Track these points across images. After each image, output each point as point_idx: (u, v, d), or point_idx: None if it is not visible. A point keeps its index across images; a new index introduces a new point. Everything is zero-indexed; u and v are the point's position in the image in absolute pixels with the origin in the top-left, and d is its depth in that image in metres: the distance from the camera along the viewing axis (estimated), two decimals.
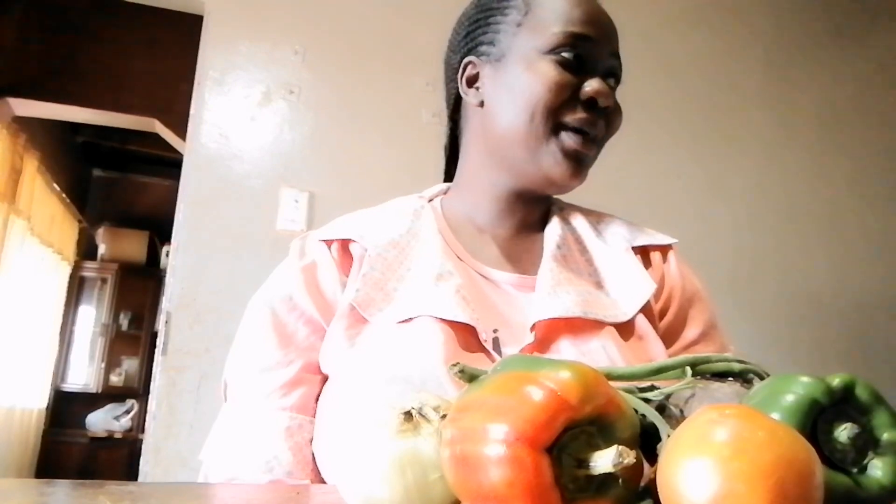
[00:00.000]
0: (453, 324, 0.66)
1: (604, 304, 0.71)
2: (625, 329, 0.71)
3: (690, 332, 0.78)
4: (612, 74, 0.74)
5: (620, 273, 0.75)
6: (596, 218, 0.82)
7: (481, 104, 0.76)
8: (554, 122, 0.70)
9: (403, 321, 0.67)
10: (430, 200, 0.83)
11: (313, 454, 0.69)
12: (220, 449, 0.70)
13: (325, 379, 0.71)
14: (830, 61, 2.43)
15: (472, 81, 0.78)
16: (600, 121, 0.72)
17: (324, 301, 0.72)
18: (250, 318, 0.74)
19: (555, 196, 0.82)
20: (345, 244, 0.75)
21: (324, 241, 0.75)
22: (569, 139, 0.71)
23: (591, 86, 0.70)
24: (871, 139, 2.41)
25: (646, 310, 0.73)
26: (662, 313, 0.77)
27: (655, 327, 0.74)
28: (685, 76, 2.27)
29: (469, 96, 0.78)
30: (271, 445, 0.67)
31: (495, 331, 0.69)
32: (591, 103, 0.71)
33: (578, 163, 0.72)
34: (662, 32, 2.25)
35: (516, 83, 0.72)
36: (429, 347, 0.64)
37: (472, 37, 0.78)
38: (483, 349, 0.67)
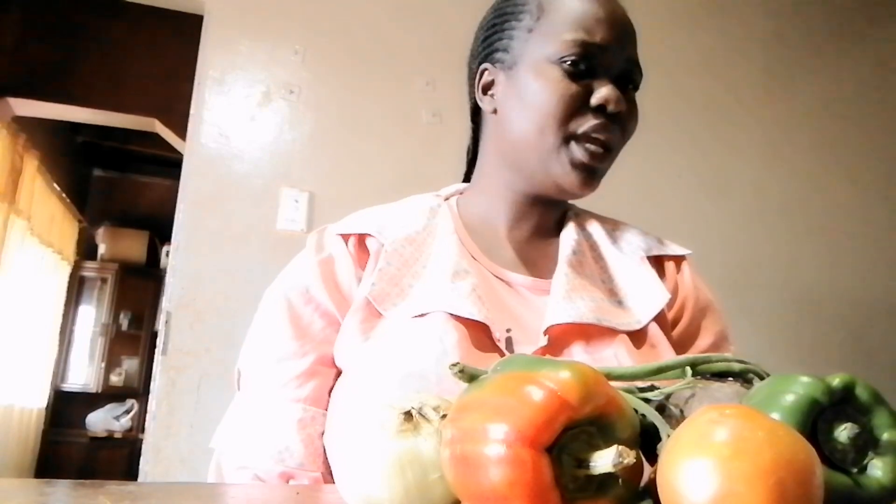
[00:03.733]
0: (467, 321, 0.66)
1: (617, 312, 0.72)
2: (637, 337, 0.71)
3: (702, 341, 0.78)
4: (628, 79, 0.73)
5: (634, 282, 0.75)
6: (611, 225, 0.83)
7: (495, 111, 0.76)
8: (564, 133, 0.70)
9: (418, 315, 0.68)
10: (447, 199, 0.83)
11: (325, 447, 0.69)
12: (233, 437, 0.71)
13: (338, 373, 0.72)
14: (829, 61, 2.43)
15: (488, 88, 0.77)
16: (613, 126, 0.70)
17: (340, 295, 0.72)
18: (266, 308, 0.75)
19: (570, 201, 0.82)
20: (362, 239, 0.76)
21: (341, 235, 0.76)
22: (578, 152, 0.70)
23: (601, 92, 0.69)
24: (869, 139, 2.40)
25: (659, 319, 0.73)
26: (675, 323, 0.78)
27: (668, 336, 0.74)
28: (684, 76, 2.27)
29: (484, 103, 0.78)
30: (283, 436, 0.68)
31: (508, 330, 0.69)
32: (601, 109, 0.69)
33: (589, 174, 0.71)
34: (661, 32, 2.25)
35: (527, 92, 0.71)
36: (443, 343, 0.64)
37: (488, 43, 0.78)
38: (496, 348, 0.67)
